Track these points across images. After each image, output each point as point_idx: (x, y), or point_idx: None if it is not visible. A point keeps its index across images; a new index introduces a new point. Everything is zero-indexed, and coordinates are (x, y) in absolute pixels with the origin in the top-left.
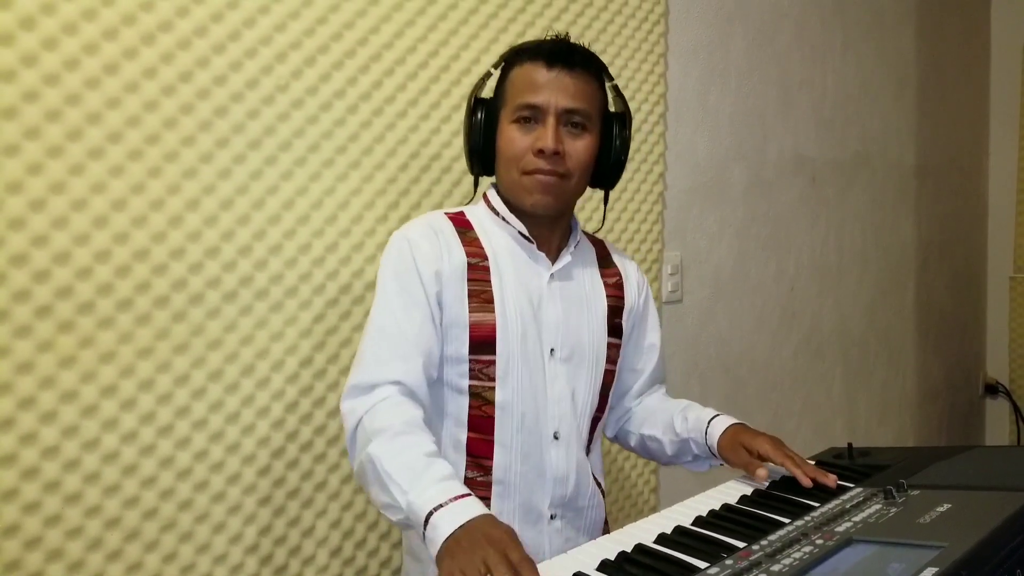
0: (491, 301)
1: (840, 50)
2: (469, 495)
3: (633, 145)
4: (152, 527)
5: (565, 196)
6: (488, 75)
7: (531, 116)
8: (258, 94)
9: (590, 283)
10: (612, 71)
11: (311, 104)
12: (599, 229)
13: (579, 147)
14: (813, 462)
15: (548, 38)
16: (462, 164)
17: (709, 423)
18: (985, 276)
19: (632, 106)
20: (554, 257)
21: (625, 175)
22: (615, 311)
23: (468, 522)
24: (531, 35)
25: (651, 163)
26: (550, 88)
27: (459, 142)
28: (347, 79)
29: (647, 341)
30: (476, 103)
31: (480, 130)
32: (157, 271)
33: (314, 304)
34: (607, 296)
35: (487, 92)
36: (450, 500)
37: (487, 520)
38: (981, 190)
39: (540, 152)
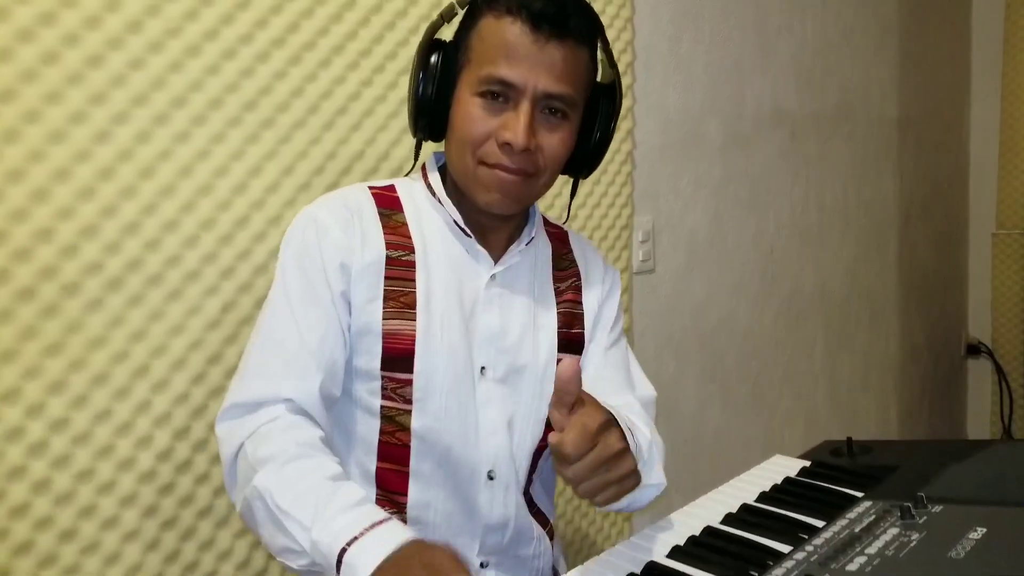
0: (412, 306)
1: None
2: (389, 519)
3: None
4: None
5: (529, 198)
6: (452, 13)
7: (500, 93)
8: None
9: (539, 289)
10: None
11: (209, 55)
12: (564, 220)
13: (555, 141)
14: (808, 462)
15: None
16: (401, 123)
17: None
18: (967, 233)
19: None
20: (500, 254)
21: None
22: (570, 320)
23: (395, 553)
24: None
25: (619, 118)
26: (532, 62)
27: (396, 98)
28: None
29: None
30: (432, 46)
31: (434, 83)
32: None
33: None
34: (558, 304)
35: (446, 32)
36: (366, 530)
37: (418, 546)
38: (963, 143)
39: (506, 144)
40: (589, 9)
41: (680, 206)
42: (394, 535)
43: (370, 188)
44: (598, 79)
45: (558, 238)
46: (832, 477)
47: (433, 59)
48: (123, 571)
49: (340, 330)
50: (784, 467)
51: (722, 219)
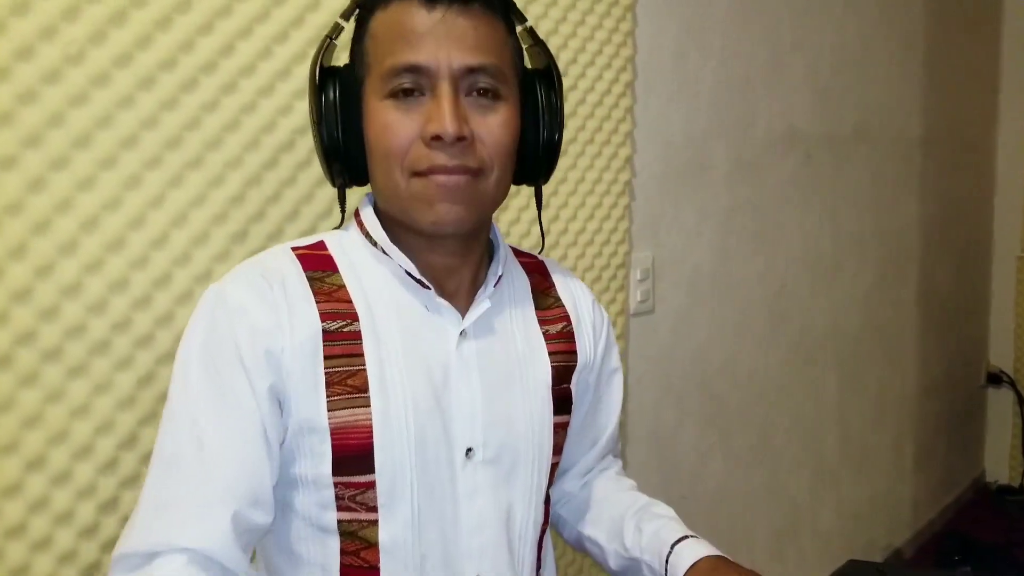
0: (364, 388)
1: (840, 6)
2: None
3: (594, 123)
4: None
5: (483, 202)
6: (337, 29)
7: (413, 86)
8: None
9: (523, 336)
10: (564, 30)
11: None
12: (540, 250)
13: (493, 125)
14: None
15: None
16: None
17: (672, 548)
18: (990, 256)
19: (591, 73)
20: (466, 302)
21: (583, 161)
22: (562, 374)
23: None
24: None
25: (615, 145)
26: (437, 37)
27: None
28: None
29: (606, 402)
30: (323, 75)
31: (336, 116)
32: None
33: None
34: (551, 354)
35: (339, 57)
36: None
37: None
38: (988, 161)
39: (436, 139)
40: None
41: (682, 240)
42: None
43: (293, 249)
44: (528, 65)
45: (535, 269)
46: None
47: (329, 94)
48: None
49: (263, 441)
50: None
51: (728, 253)
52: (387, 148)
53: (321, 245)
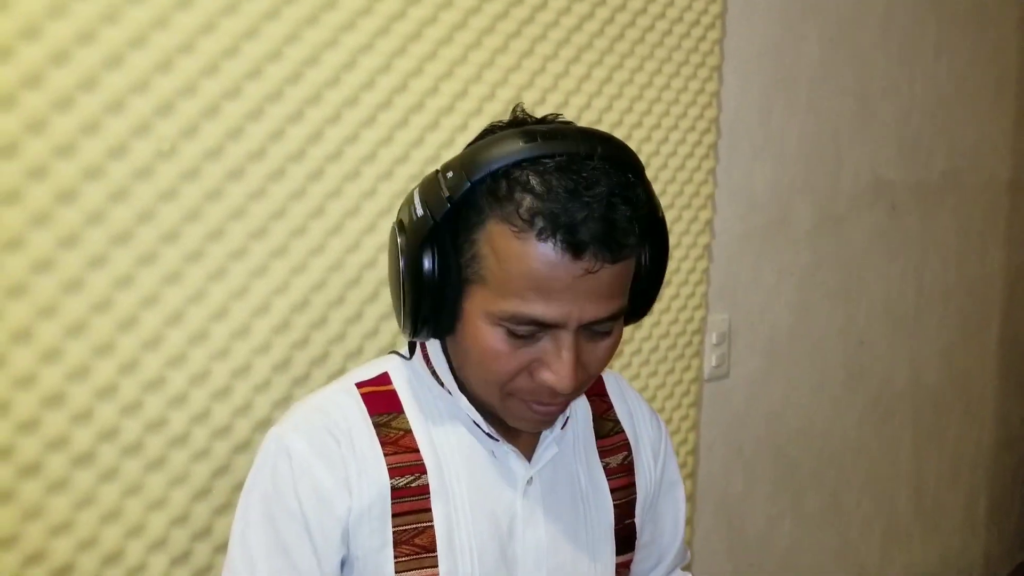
0: (432, 548)
1: (932, 49)
2: None
3: (674, 187)
4: None
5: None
6: (443, 208)
7: (535, 332)
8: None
9: (586, 473)
10: (648, 95)
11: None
12: None
13: (601, 352)
14: None
15: (563, 158)
16: None
17: None
18: None
19: (674, 137)
20: (530, 442)
21: None
22: (625, 510)
23: None
24: (555, 38)
25: (696, 209)
26: (573, 293)
27: None
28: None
29: (665, 516)
30: (428, 238)
31: (434, 289)
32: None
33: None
34: (612, 491)
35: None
36: None
37: None
38: None
39: (548, 386)
40: (640, 203)
41: (761, 300)
42: None
43: (358, 386)
44: None
45: (594, 391)
46: None
47: (427, 264)
48: None
49: None
50: None
51: (807, 312)
52: (489, 371)
53: (385, 378)
